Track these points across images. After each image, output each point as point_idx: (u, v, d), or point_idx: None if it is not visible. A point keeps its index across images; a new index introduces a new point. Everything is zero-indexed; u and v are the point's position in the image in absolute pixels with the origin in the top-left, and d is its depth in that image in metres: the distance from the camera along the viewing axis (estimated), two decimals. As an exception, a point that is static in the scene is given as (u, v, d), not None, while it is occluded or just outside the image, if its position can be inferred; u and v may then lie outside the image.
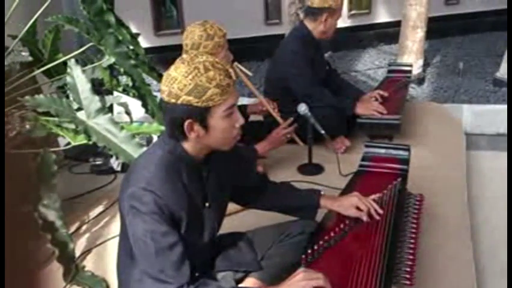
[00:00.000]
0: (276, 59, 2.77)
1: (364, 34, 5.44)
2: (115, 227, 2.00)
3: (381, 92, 2.74)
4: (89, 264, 1.86)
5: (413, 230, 1.68)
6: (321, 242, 1.42)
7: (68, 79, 1.84)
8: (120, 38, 2.07)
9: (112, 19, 2.03)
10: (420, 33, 4.16)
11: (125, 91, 2.44)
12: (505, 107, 3.19)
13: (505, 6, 4.74)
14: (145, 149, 1.55)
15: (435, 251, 1.79)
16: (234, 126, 1.26)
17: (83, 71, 1.86)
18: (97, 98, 1.81)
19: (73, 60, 1.89)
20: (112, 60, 2.06)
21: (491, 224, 2.17)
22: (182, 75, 1.17)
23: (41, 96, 1.80)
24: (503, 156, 2.54)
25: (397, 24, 4.44)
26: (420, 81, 4.30)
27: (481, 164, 2.68)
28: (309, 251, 1.37)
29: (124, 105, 2.56)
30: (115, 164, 2.59)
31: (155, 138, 2.28)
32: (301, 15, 3.64)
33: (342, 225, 1.50)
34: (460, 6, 5.67)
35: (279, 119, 2.40)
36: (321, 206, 1.57)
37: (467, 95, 4.00)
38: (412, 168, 1.92)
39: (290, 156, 2.57)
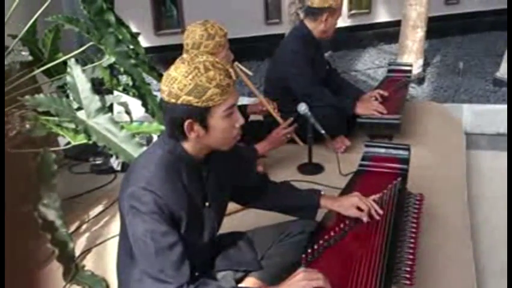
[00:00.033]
0: (276, 59, 2.77)
1: (364, 34, 5.44)
2: (115, 227, 2.00)
3: (381, 92, 2.74)
4: (89, 263, 1.86)
5: (413, 230, 1.68)
6: (321, 242, 1.42)
7: (68, 78, 1.84)
8: (120, 37, 2.07)
9: (112, 18, 2.03)
10: (420, 33, 4.16)
11: (125, 90, 2.44)
12: (505, 106, 3.19)
13: (505, 6, 4.75)
14: (145, 148, 1.56)
15: (435, 251, 1.79)
16: (234, 126, 1.26)
17: (83, 71, 1.87)
18: (97, 97, 1.81)
19: (73, 59, 1.89)
20: (112, 59, 2.06)
21: (491, 223, 2.17)
22: (183, 75, 1.17)
23: (41, 95, 1.80)
24: (503, 156, 2.54)
25: (397, 23, 4.44)
26: (420, 80, 4.30)
27: (481, 164, 2.67)
28: (309, 251, 1.37)
29: (124, 104, 2.55)
30: (114, 163, 2.59)
31: (155, 137, 2.28)
32: (302, 15, 3.64)
33: (342, 225, 1.50)
34: (460, 6, 5.68)
35: (279, 119, 2.39)
36: (321, 206, 1.57)
37: (467, 94, 4.00)
38: (412, 167, 1.92)
39: (290, 156, 2.57)
